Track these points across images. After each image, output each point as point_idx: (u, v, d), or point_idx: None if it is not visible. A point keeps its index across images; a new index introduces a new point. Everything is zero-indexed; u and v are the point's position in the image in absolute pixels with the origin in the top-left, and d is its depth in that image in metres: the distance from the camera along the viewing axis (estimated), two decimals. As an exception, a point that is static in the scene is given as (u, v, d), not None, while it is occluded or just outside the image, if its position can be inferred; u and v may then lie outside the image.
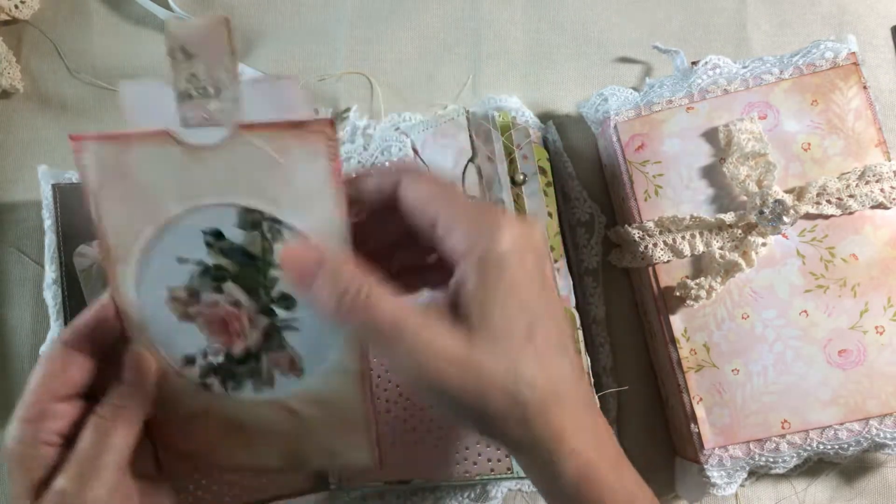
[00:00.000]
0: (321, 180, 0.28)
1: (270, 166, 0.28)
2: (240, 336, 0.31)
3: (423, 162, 0.43)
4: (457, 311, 0.27)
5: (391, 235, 0.31)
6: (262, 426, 0.32)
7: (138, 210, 0.29)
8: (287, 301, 0.30)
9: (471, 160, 0.41)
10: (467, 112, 0.43)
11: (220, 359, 0.31)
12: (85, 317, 0.30)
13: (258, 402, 0.32)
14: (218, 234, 0.30)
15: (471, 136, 0.42)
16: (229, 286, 0.30)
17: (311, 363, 0.31)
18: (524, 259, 0.28)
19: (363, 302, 0.26)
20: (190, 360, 0.31)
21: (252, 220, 0.29)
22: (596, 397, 0.42)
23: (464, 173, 0.42)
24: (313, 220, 0.29)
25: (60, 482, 0.28)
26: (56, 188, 0.42)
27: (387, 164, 0.45)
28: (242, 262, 0.30)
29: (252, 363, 0.31)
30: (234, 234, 0.29)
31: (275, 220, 0.29)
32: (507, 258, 0.27)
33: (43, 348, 0.42)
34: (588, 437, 0.29)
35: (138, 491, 0.30)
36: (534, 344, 0.27)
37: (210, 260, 0.30)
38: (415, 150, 0.44)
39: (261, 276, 0.30)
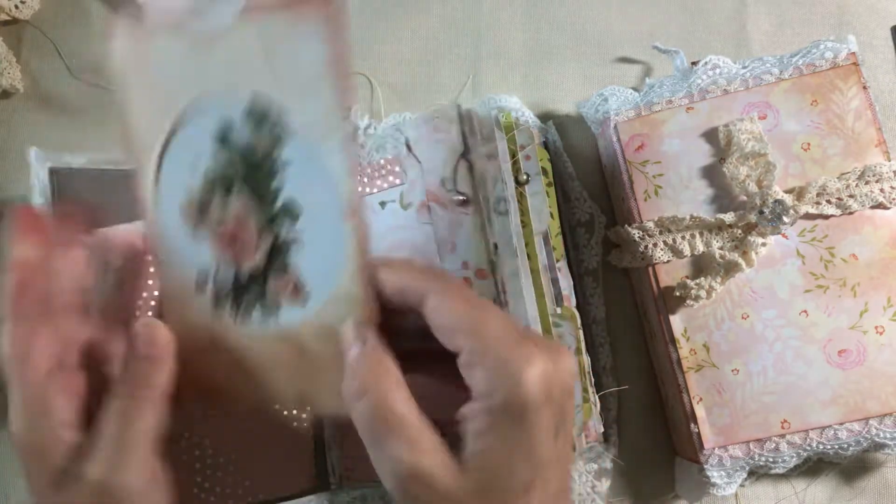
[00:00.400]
0: (317, 66, 0.25)
1: (270, 52, 0.26)
2: (248, 252, 0.29)
3: (417, 158, 0.43)
4: (461, 449, 0.26)
5: (407, 334, 0.29)
6: (270, 362, 0.30)
7: (156, 107, 0.28)
8: (292, 213, 0.28)
9: (462, 156, 0.41)
10: (458, 107, 0.43)
11: (230, 280, 0.30)
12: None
13: (266, 336, 0.30)
14: (225, 137, 0.28)
15: (463, 133, 0.42)
16: (238, 191, 0.29)
17: (316, 287, 0.29)
18: (543, 411, 0.26)
19: (368, 391, 0.26)
20: (202, 283, 0.30)
21: (260, 112, 0.27)
22: (598, 403, 0.42)
23: (455, 170, 0.41)
24: (316, 113, 0.26)
25: (89, 470, 0.27)
26: (54, 172, 0.41)
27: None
28: (251, 161, 0.28)
29: (257, 288, 0.30)
30: (242, 132, 0.28)
31: (281, 113, 0.27)
32: (526, 411, 0.25)
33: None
34: None
35: (161, 470, 0.29)
36: (528, 498, 0.26)
37: (218, 164, 0.29)
38: (408, 147, 0.44)
39: (268, 178, 0.28)
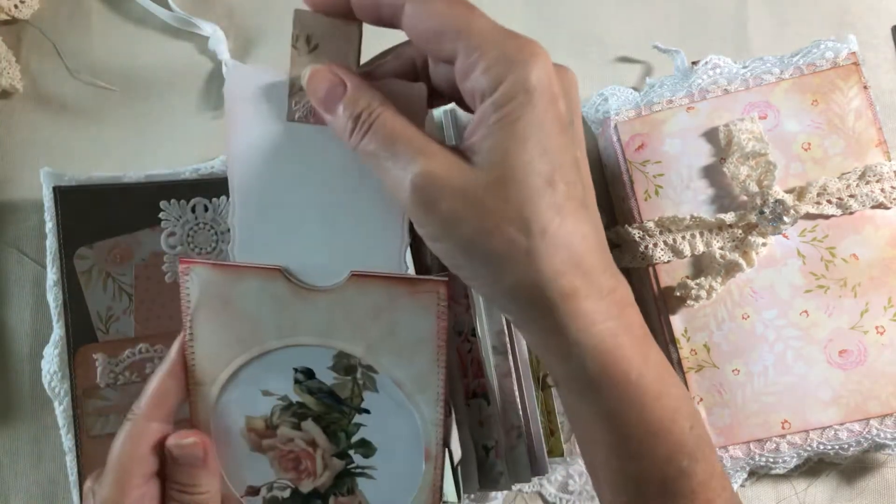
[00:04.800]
0: (426, 336, 0.29)
1: (376, 315, 0.29)
2: (311, 475, 0.31)
3: None
4: (471, 149, 0.24)
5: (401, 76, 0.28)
6: None
7: (234, 338, 0.30)
8: (367, 448, 0.30)
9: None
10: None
11: (286, 494, 0.31)
12: (157, 383, 0.30)
13: None
14: (309, 373, 0.30)
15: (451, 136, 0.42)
16: (309, 424, 0.30)
17: None
18: (555, 101, 0.24)
19: (371, 120, 0.25)
20: (254, 491, 0.31)
21: (347, 364, 0.30)
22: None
23: None
24: (413, 372, 0.29)
25: None
26: (57, 191, 0.42)
27: None
28: (328, 403, 0.30)
29: (318, 503, 0.31)
30: (326, 376, 0.30)
31: (370, 369, 0.29)
32: (536, 95, 0.24)
33: (46, 349, 0.42)
34: (606, 307, 0.25)
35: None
36: (553, 192, 0.24)
37: (295, 397, 0.30)
38: None
39: (345, 419, 0.30)
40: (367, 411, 0.30)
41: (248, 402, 0.30)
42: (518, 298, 0.25)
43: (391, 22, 0.25)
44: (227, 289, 0.29)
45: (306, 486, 0.31)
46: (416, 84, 0.27)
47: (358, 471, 0.31)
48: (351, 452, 0.31)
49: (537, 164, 0.24)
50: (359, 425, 0.30)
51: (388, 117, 0.25)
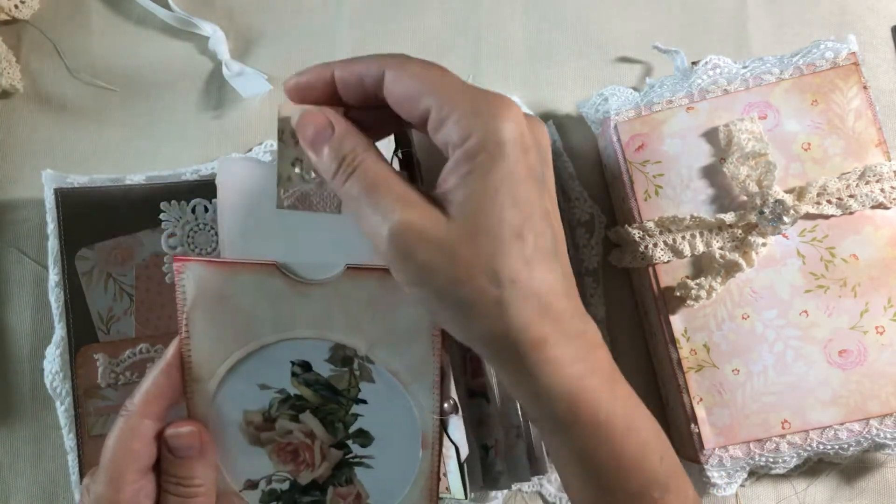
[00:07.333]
0: (421, 325, 0.29)
1: (372, 307, 0.29)
2: (309, 466, 0.31)
3: None
4: (445, 198, 0.25)
5: (382, 135, 0.30)
6: None
7: (231, 334, 0.30)
8: (365, 437, 0.31)
9: (395, 153, 0.41)
10: None
11: (285, 486, 0.31)
12: (151, 381, 0.30)
13: None
14: (306, 366, 0.30)
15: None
16: (307, 417, 0.31)
17: (378, 501, 0.31)
18: (526, 153, 0.25)
19: (354, 164, 0.26)
20: (253, 485, 0.31)
21: (344, 356, 0.30)
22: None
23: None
24: (408, 361, 0.30)
25: None
26: (58, 192, 0.42)
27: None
28: (326, 395, 0.31)
29: (317, 494, 0.31)
30: (323, 368, 0.30)
31: (366, 360, 0.30)
32: (507, 148, 0.24)
33: (48, 350, 0.42)
34: (574, 350, 0.26)
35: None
36: (522, 244, 0.25)
37: (293, 390, 0.30)
38: None
39: (342, 410, 0.31)
40: (364, 401, 0.31)
41: (246, 396, 0.30)
42: (490, 345, 0.26)
43: (374, 93, 0.27)
44: (222, 285, 0.29)
45: (305, 478, 0.31)
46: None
47: (356, 460, 0.31)
48: (349, 443, 0.31)
49: (507, 216, 0.25)
50: (356, 416, 0.31)
51: (371, 164, 0.26)
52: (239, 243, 0.30)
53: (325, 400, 0.31)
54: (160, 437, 0.30)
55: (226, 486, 0.31)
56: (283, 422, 0.31)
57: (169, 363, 0.30)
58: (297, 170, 0.28)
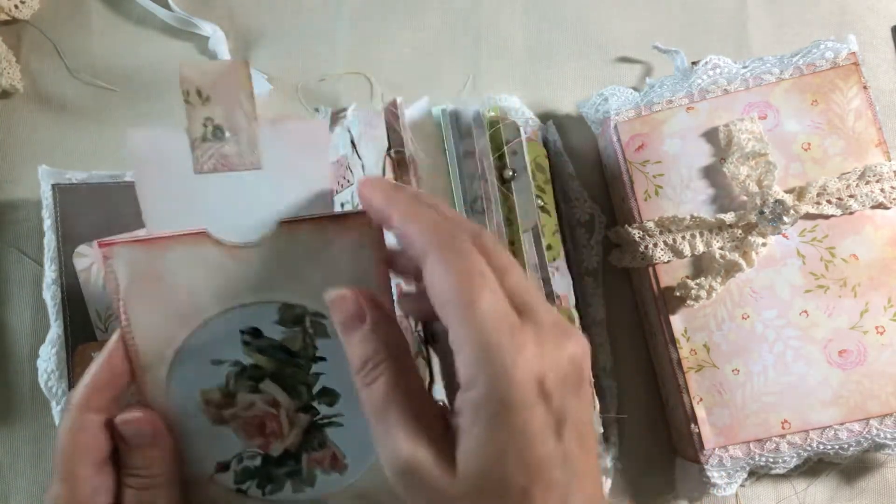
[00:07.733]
0: (366, 269, 0.28)
1: (312, 260, 0.28)
2: (278, 436, 0.30)
3: (359, 156, 0.42)
4: (456, 430, 0.24)
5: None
6: None
7: (172, 314, 0.28)
8: (330, 396, 0.29)
9: (387, 152, 0.41)
10: (393, 100, 0.42)
11: (258, 462, 0.30)
12: (93, 374, 0.28)
13: (298, 501, 0.31)
14: (256, 332, 0.29)
15: (387, 126, 0.41)
16: (267, 385, 0.29)
17: (356, 459, 0.30)
18: (535, 408, 0.23)
19: (375, 374, 0.25)
20: (224, 466, 0.30)
21: (294, 315, 0.29)
22: (597, 404, 0.41)
23: (384, 165, 0.41)
24: None
25: None
26: (56, 188, 0.42)
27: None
28: (282, 359, 0.29)
29: (291, 464, 0.30)
30: (274, 331, 0.29)
31: (317, 315, 0.28)
32: (512, 408, 0.23)
33: (42, 349, 0.42)
34: None
35: None
36: (529, 502, 0.23)
37: (247, 359, 0.29)
38: (353, 145, 0.43)
39: (302, 372, 0.29)
40: (323, 359, 0.29)
41: (201, 375, 0.29)
42: None
43: (418, 263, 0.25)
44: (154, 264, 0.28)
45: (276, 449, 0.30)
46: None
47: (325, 421, 0.30)
48: (315, 404, 0.30)
49: (514, 479, 0.23)
50: (318, 374, 0.29)
51: (391, 377, 0.25)
52: (164, 217, 0.28)
53: (283, 364, 0.29)
54: (112, 429, 0.29)
55: (197, 474, 0.30)
56: (244, 395, 0.29)
57: (111, 353, 0.28)
58: (209, 129, 0.27)
